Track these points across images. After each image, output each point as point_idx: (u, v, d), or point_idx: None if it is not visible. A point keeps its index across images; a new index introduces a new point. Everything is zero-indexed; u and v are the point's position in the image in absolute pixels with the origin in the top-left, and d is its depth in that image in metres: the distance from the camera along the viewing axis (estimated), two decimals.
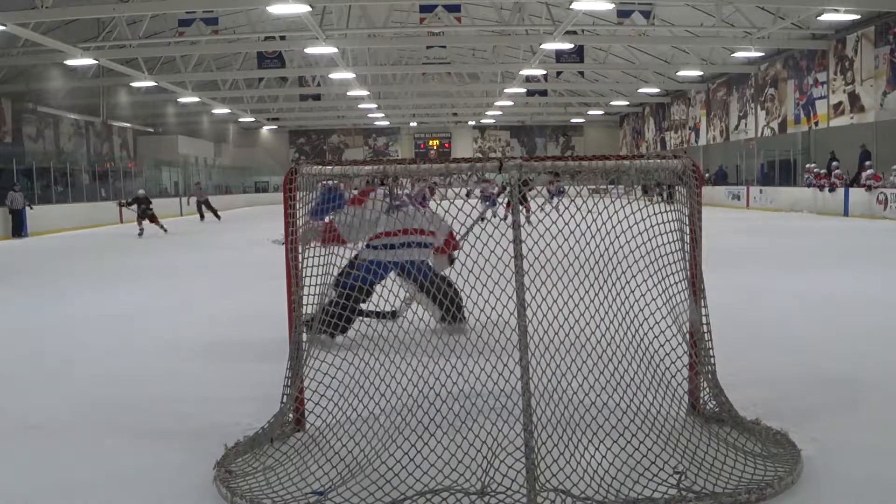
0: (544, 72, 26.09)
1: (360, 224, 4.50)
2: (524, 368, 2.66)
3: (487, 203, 12.74)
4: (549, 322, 2.98)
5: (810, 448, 2.95)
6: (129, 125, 33.51)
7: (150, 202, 17.88)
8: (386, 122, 41.74)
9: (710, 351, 3.25)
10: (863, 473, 2.81)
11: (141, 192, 18.72)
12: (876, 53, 19.55)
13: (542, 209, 2.79)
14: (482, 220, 4.10)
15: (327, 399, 3.26)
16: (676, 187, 3.22)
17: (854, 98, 20.71)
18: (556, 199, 15.46)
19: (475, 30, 24.02)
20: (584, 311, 3.02)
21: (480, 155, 41.59)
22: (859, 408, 3.58)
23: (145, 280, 8.86)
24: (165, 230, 17.24)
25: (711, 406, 3.29)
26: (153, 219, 17.46)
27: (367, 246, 4.88)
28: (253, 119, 38.93)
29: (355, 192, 5.09)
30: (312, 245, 3.51)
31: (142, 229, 17.18)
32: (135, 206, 17.45)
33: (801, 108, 23.60)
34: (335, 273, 3.73)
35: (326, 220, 4.39)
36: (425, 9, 18.51)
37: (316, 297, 3.41)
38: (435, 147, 44.20)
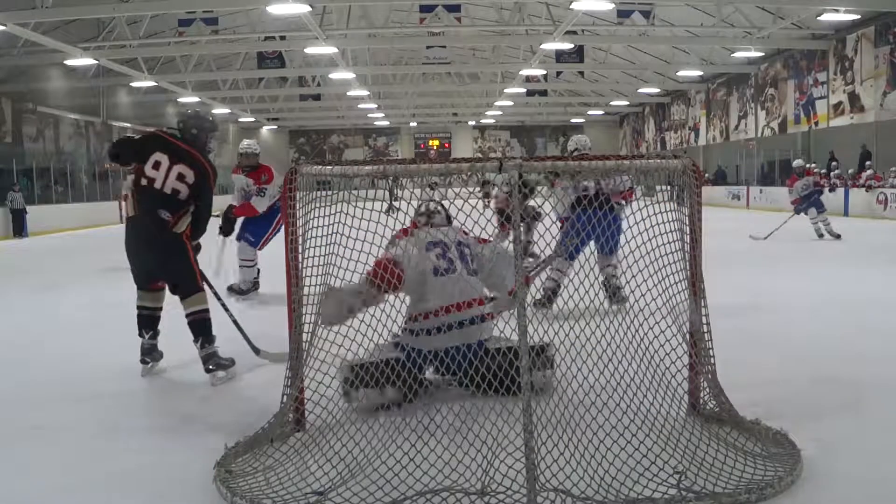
0: (544, 72, 26.06)
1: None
2: (524, 369, 2.66)
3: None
4: (549, 322, 2.98)
5: (810, 448, 2.95)
6: (129, 125, 33.46)
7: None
8: (386, 122, 41.70)
9: (710, 351, 3.25)
10: (863, 473, 2.81)
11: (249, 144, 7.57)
12: (876, 53, 19.54)
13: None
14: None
15: (327, 399, 3.27)
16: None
17: (854, 98, 20.70)
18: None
19: (475, 30, 23.99)
20: (584, 311, 3.02)
21: (480, 155, 41.57)
22: (860, 408, 3.58)
23: None
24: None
25: (711, 406, 3.29)
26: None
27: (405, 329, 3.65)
28: (253, 119, 38.88)
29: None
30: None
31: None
32: None
33: (801, 108, 23.59)
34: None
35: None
36: (425, 9, 18.50)
37: (316, 296, 3.41)
38: (435, 147, 44.16)
